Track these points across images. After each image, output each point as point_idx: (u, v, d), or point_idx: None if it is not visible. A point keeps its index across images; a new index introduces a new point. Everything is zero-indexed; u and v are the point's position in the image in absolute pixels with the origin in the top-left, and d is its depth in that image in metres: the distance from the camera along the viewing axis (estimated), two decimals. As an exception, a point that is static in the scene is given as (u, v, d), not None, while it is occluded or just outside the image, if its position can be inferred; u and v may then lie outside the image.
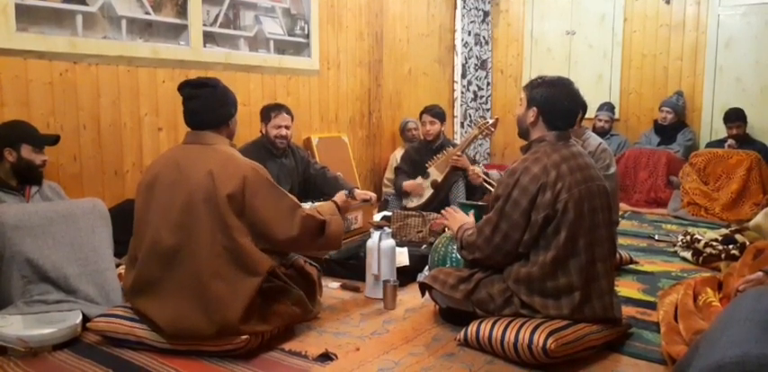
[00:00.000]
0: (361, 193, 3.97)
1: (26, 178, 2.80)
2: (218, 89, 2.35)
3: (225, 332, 2.14)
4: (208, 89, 2.32)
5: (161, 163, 2.33)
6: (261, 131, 3.82)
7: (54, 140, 2.91)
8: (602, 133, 5.74)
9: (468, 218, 2.54)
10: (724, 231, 3.66)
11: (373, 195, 4.01)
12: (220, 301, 2.12)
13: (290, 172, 3.90)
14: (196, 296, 2.14)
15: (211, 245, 2.15)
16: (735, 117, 5.25)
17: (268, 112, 3.76)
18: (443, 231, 2.75)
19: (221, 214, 2.15)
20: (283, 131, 3.74)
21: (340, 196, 2.78)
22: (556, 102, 2.29)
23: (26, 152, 2.76)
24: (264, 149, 3.77)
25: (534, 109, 2.32)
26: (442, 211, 2.67)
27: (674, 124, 5.69)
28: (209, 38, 3.99)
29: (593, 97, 5.58)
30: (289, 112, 3.79)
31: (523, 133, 2.40)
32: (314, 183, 4.01)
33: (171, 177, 2.23)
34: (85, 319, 2.34)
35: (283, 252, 2.42)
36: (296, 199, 2.37)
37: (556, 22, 6.53)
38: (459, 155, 4.24)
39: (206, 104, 2.30)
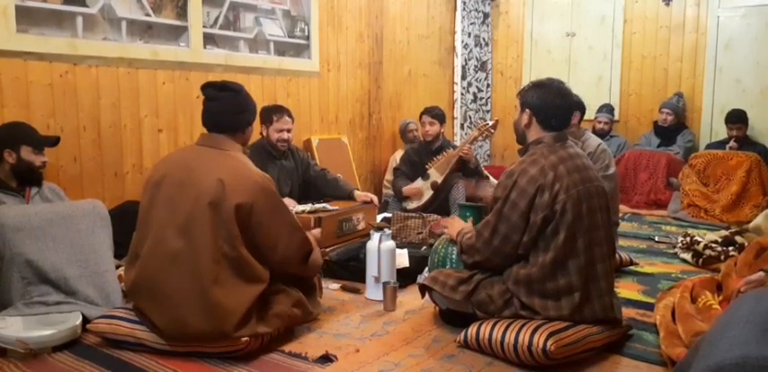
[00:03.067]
0: (361, 195, 3.98)
1: (26, 179, 2.80)
2: (240, 95, 2.35)
3: (224, 336, 2.14)
4: (230, 93, 2.32)
5: (171, 161, 2.32)
6: (261, 133, 3.82)
7: (54, 142, 2.91)
8: (602, 134, 5.75)
9: (467, 224, 2.55)
10: (724, 233, 3.67)
11: (374, 197, 4.02)
12: (220, 307, 2.11)
13: (290, 173, 3.90)
14: (196, 299, 2.13)
15: (213, 251, 2.14)
16: (736, 118, 5.25)
17: (269, 115, 3.76)
18: (443, 232, 2.75)
19: (225, 222, 2.14)
20: (285, 135, 3.75)
21: (316, 231, 2.88)
22: (546, 101, 2.30)
23: (26, 153, 2.76)
24: (264, 151, 3.77)
25: (527, 111, 2.34)
26: (442, 222, 2.69)
27: (673, 125, 5.69)
28: (209, 39, 3.99)
29: (592, 98, 5.60)
30: (290, 115, 3.79)
31: (520, 138, 2.42)
32: (314, 185, 4.01)
33: (179, 177, 2.22)
34: (85, 320, 2.34)
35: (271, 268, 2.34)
36: (296, 218, 2.38)
37: (556, 24, 6.53)
38: (468, 148, 4.24)
39: (225, 108, 2.30)
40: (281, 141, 3.75)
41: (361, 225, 3.85)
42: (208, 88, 2.34)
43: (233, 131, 2.33)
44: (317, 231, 2.84)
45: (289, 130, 3.77)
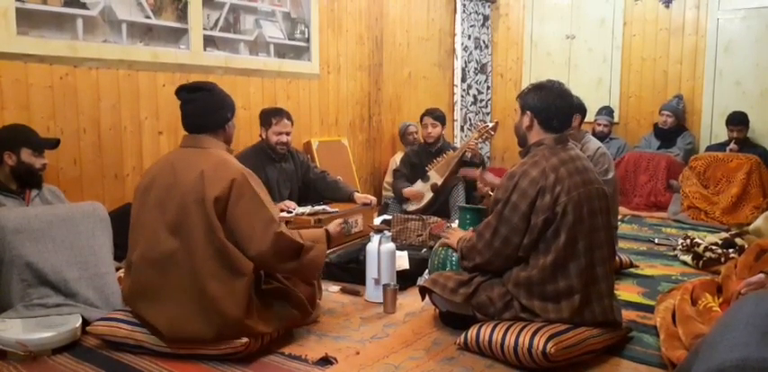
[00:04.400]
0: (360, 197, 3.98)
1: (26, 182, 2.80)
2: (213, 93, 2.35)
3: (225, 332, 2.14)
4: (203, 93, 2.32)
5: (158, 166, 2.34)
6: (260, 136, 3.82)
7: (54, 144, 2.91)
8: (601, 137, 5.76)
9: (467, 232, 2.54)
10: (724, 235, 3.66)
11: (373, 199, 4.02)
12: (217, 302, 2.12)
13: (289, 176, 3.90)
14: (194, 298, 2.14)
15: (206, 246, 2.14)
16: (737, 120, 5.25)
17: (269, 117, 3.76)
18: (444, 237, 2.75)
19: (208, 215, 2.14)
20: (284, 138, 3.75)
21: (335, 224, 2.57)
22: (547, 103, 2.30)
23: (26, 156, 2.76)
24: (264, 154, 3.78)
25: (528, 113, 2.34)
26: (443, 232, 2.68)
27: (674, 128, 5.70)
28: (209, 42, 4.00)
29: (592, 101, 5.59)
30: (289, 118, 3.79)
31: (521, 140, 2.41)
32: (314, 188, 4.02)
33: (166, 180, 2.23)
34: (85, 323, 2.34)
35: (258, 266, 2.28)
36: (277, 213, 2.28)
37: (555, 26, 6.54)
38: (474, 144, 4.24)
39: (201, 108, 2.30)
40: (281, 144, 3.75)
41: (359, 227, 3.85)
42: (181, 92, 2.34)
43: (213, 130, 2.33)
44: (335, 223, 2.57)
45: (288, 133, 3.77)
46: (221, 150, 2.32)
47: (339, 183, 4.06)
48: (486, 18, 6.78)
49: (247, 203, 2.19)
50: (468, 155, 4.29)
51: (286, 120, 3.76)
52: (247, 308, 2.15)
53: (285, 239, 2.23)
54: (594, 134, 5.70)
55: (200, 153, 2.27)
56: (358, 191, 4.11)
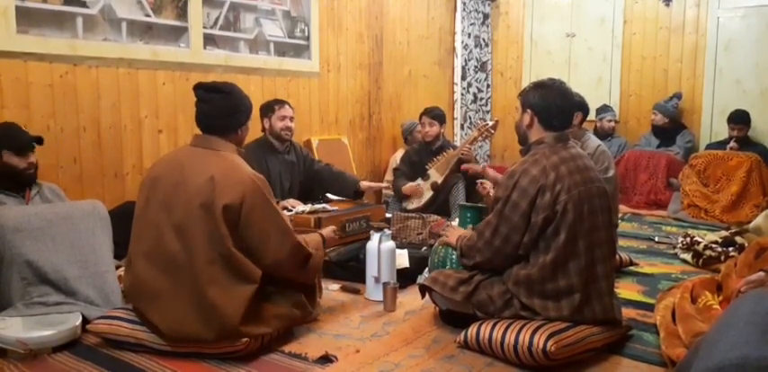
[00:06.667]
0: (366, 184, 4.00)
1: (15, 182, 2.75)
2: (231, 96, 2.31)
3: (224, 336, 2.14)
4: (220, 95, 2.29)
5: (166, 162, 2.32)
6: (262, 129, 3.83)
7: (37, 141, 2.78)
8: (608, 134, 5.83)
9: (466, 230, 2.54)
10: (724, 233, 3.66)
11: (380, 184, 4.05)
12: (216, 307, 2.11)
13: (290, 167, 3.91)
14: (194, 301, 2.14)
15: (207, 251, 2.13)
16: (739, 119, 5.24)
17: (270, 106, 3.80)
18: (443, 235, 2.75)
19: (215, 222, 2.13)
20: (288, 122, 3.78)
21: (328, 230, 2.67)
22: (547, 101, 2.30)
23: (7, 157, 2.70)
24: (266, 145, 3.79)
25: (528, 111, 2.34)
26: (442, 230, 2.67)
27: (668, 126, 5.70)
28: (209, 40, 4.00)
29: (592, 99, 5.54)
30: (290, 106, 3.83)
31: (522, 139, 2.41)
32: (319, 180, 4.01)
33: (173, 178, 2.22)
34: (85, 321, 2.34)
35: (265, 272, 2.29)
36: (286, 217, 2.31)
37: (555, 25, 6.53)
38: (467, 148, 4.24)
39: (216, 110, 2.27)
40: (285, 129, 3.77)
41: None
42: (198, 90, 2.31)
43: (225, 133, 2.30)
44: (329, 229, 2.68)
45: (291, 118, 3.79)
46: (232, 153, 2.30)
47: (345, 174, 4.07)
48: (486, 16, 6.77)
49: (262, 212, 2.20)
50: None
51: (288, 107, 3.81)
52: (247, 314, 2.15)
53: (301, 248, 2.31)
54: (603, 131, 5.81)
55: (211, 155, 2.25)
56: (363, 180, 4.13)
